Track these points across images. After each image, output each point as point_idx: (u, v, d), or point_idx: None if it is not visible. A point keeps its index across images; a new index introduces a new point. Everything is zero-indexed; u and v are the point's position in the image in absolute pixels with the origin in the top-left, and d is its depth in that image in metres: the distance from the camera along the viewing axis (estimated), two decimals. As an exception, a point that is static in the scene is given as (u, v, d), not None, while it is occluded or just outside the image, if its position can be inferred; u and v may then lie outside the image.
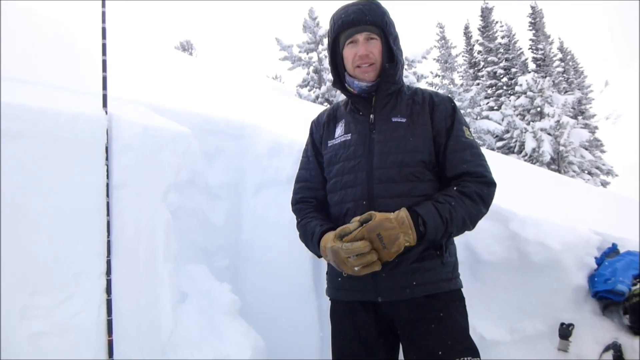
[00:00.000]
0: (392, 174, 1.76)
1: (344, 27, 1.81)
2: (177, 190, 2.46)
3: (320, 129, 2.00)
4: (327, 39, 1.96)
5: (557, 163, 19.33)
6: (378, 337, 1.78)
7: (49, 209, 1.69)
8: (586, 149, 21.36)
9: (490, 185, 1.74)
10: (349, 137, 1.87)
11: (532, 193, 4.31)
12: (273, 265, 2.71)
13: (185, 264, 2.41)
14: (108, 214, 1.84)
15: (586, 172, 20.94)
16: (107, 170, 1.89)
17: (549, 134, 19.19)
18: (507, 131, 20.63)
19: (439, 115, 1.81)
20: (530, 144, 18.90)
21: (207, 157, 2.73)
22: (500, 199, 2.87)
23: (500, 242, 2.67)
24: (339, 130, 1.93)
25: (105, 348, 1.74)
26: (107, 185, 1.87)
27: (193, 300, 2.27)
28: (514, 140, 20.49)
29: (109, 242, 1.82)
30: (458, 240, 2.68)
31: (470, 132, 1.84)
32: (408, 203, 1.70)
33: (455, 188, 1.71)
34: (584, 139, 20.44)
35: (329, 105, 2.05)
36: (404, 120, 1.81)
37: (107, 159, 1.90)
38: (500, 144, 21.09)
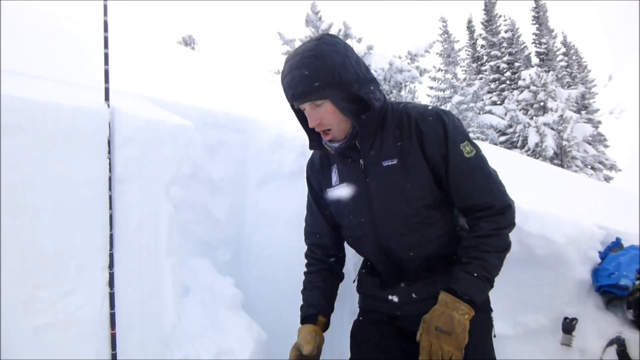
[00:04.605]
0: (397, 227, 1.73)
1: (292, 99, 1.67)
2: (179, 184, 2.46)
3: (317, 175, 1.95)
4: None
5: (560, 158, 19.28)
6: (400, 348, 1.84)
7: (50, 202, 1.68)
8: (589, 144, 21.30)
9: (504, 210, 1.65)
10: (345, 187, 1.81)
11: (535, 187, 4.29)
12: (276, 259, 2.71)
13: (187, 258, 2.41)
14: (110, 208, 1.84)
15: (589, 166, 20.89)
16: (110, 164, 1.88)
17: (552, 128, 19.13)
18: (510, 126, 20.57)
19: (430, 146, 1.66)
20: (533, 139, 18.84)
21: (209, 151, 2.72)
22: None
23: (504, 236, 2.66)
24: (334, 177, 1.86)
25: (108, 341, 1.74)
26: (110, 178, 1.87)
27: (196, 294, 2.27)
28: (516, 134, 20.43)
29: (111, 236, 1.82)
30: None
31: (469, 143, 1.69)
32: (426, 252, 1.73)
33: (472, 235, 1.66)
34: (587, 134, 20.37)
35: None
36: (395, 161, 1.69)
37: (109, 152, 1.90)
38: (503, 138, 21.04)
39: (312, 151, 2.00)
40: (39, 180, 1.68)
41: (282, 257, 2.68)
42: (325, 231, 1.97)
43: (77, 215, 1.75)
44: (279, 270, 2.68)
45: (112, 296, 1.77)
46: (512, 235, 2.61)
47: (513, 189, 3.19)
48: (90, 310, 1.71)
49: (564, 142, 18.89)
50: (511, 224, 1.69)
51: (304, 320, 1.90)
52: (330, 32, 1.85)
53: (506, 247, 1.66)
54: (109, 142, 1.91)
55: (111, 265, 1.80)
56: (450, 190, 1.70)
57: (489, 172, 1.69)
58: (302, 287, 2.01)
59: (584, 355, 2.45)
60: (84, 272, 1.74)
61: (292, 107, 1.77)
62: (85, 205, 1.78)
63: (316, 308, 1.91)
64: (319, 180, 1.94)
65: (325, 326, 1.94)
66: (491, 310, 1.80)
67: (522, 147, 19.83)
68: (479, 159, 1.69)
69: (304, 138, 2.98)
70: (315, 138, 1.82)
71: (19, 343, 1.54)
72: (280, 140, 2.86)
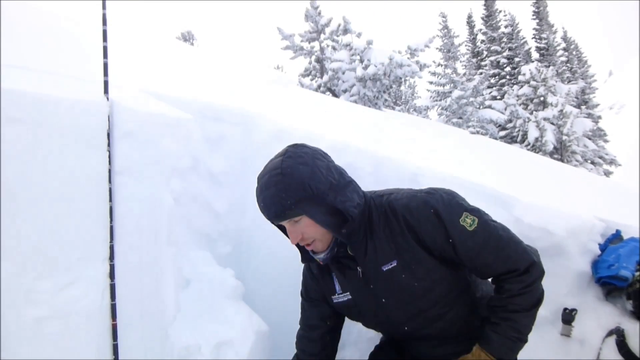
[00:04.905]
0: (416, 325, 1.70)
1: (269, 220, 1.59)
2: (179, 177, 2.46)
3: (318, 284, 1.86)
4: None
5: (560, 152, 19.25)
6: None
7: (50, 194, 1.68)
8: (589, 139, 21.27)
9: (529, 269, 1.55)
10: (350, 297, 1.75)
11: (536, 180, 4.30)
12: (276, 251, 2.71)
13: (187, 250, 2.41)
14: (110, 200, 1.84)
15: (589, 161, 20.86)
16: (109, 157, 1.88)
17: (552, 123, 19.10)
18: (510, 120, 20.53)
19: (428, 237, 1.56)
20: (533, 134, 18.81)
21: (208, 144, 2.72)
22: (503, 186, 2.87)
23: (503, 228, 2.66)
24: (337, 286, 1.78)
25: (109, 332, 1.75)
26: (109, 171, 1.87)
27: (196, 286, 2.27)
28: (516, 129, 20.40)
29: (111, 228, 1.82)
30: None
31: (468, 214, 1.56)
32: (453, 333, 1.71)
33: (500, 296, 1.60)
34: (587, 129, 20.32)
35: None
36: (394, 264, 1.61)
37: (108, 145, 1.90)
38: (502, 133, 21.01)
39: (305, 265, 1.91)
40: (39, 172, 1.68)
41: (282, 250, 2.67)
42: (320, 323, 1.90)
43: (77, 207, 1.76)
44: (279, 264, 2.69)
45: (112, 287, 1.77)
46: (513, 228, 2.61)
47: (513, 182, 3.20)
48: (91, 302, 1.72)
49: (564, 137, 18.86)
50: (538, 277, 1.58)
51: None
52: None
53: (537, 301, 1.58)
54: (108, 135, 1.91)
55: (111, 257, 1.80)
56: (467, 267, 1.63)
57: (500, 236, 1.56)
58: None
59: (583, 346, 2.46)
60: (85, 264, 1.74)
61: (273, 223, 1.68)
62: (85, 198, 1.79)
63: None
64: (322, 288, 1.85)
65: None
66: None
67: (522, 141, 19.80)
68: (485, 226, 1.56)
69: (304, 131, 3.00)
70: (305, 250, 1.72)
71: (20, 334, 1.55)
72: (280, 134, 2.86)
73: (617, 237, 2.73)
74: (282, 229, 1.68)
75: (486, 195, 2.71)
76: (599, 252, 2.67)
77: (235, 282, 2.33)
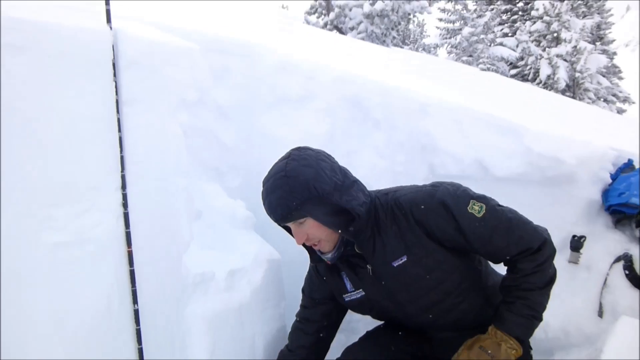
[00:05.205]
0: (431, 317, 1.70)
1: (274, 221, 1.63)
2: (186, 110, 2.44)
3: (326, 285, 1.88)
4: None
5: (573, 90, 18.89)
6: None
7: (60, 123, 1.67)
8: (603, 76, 20.78)
9: (540, 247, 1.56)
10: (363, 294, 1.75)
11: (547, 112, 4.23)
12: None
13: (197, 183, 2.42)
14: (120, 130, 1.83)
15: (602, 99, 20.49)
16: (116, 86, 1.86)
17: (565, 60, 18.62)
18: (522, 58, 20.04)
19: (438, 229, 1.58)
20: (545, 71, 18.39)
21: (214, 76, 2.68)
22: (513, 115, 2.83)
23: (513, 158, 2.65)
24: (348, 284, 1.79)
25: (125, 258, 1.79)
26: (117, 101, 1.85)
27: (207, 217, 2.30)
28: (528, 67, 19.94)
29: (122, 158, 1.82)
30: (470, 156, 2.67)
31: (475, 201, 1.58)
32: (466, 324, 1.70)
33: (513, 276, 1.60)
34: (602, 65, 19.83)
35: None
36: (404, 259, 1.62)
37: (114, 74, 1.87)
38: (514, 71, 20.56)
39: (310, 264, 1.94)
40: (47, 103, 1.67)
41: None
42: (320, 318, 1.94)
43: (87, 136, 1.75)
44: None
45: (126, 216, 1.80)
46: (523, 157, 2.62)
47: (524, 114, 3.16)
48: (106, 229, 1.74)
49: (577, 74, 18.44)
50: (551, 255, 1.60)
51: None
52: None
53: (550, 279, 1.59)
54: (113, 64, 1.88)
55: (123, 186, 1.81)
56: (480, 254, 1.66)
57: (509, 219, 1.58)
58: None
59: (590, 272, 2.50)
60: (97, 193, 1.75)
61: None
62: (94, 128, 1.78)
63: None
64: (330, 287, 1.87)
65: None
66: (530, 348, 1.74)
67: (534, 79, 19.41)
68: (493, 211, 1.58)
69: (311, 63, 2.95)
70: (314, 251, 1.75)
71: (40, 260, 1.58)
72: (286, 65, 2.81)
73: (629, 166, 2.71)
74: (289, 230, 1.72)
75: (495, 125, 2.69)
76: (610, 180, 2.66)
77: (246, 212, 2.36)
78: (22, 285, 1.53)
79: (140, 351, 1.80)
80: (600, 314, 2.35)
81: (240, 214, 2.34)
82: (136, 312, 1.80)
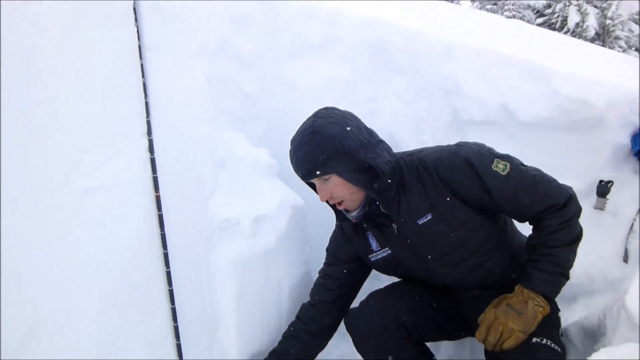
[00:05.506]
0: (455, 274, 1.71)
1: (300, 178, 1.67)
2: (208, 58, 2.44)
3: (351, 245, 1.89)
4: None
5: (602, 38, 18.18)
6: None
7: (85, 69, 1.69)
8: (635, 23, 19.90)
9: (567, 203, 1.56)
10: (390, 252, 1.75)
11: (575, 57, 4.08)
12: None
13: (221, 132, 2.44)
14: (143, 76, 1.84)
15: (633, 48, 19.69)
16: (138, 32, 1.85)
17: (595, 6, 17.84)
18: (549, 5, 19.24)
19: (462, 187, 1.60)
20: (573, 19, 17.67)
21: (235, 24, 2.64)
22: (540, 57, 2.74)
23: (540, 102, 2.57)
24: (373, 243, 1.80)
25: (153, 203, 1.83)
26: (139, 47, 1.85)
27: (231, 165, 2.32)
28: (555, 15, 19.16)
29: (147, 103, 1.83)
30: (495, 100, 2.61)
31: (499, 159, 1.59)
32: (491, 283, 1.71)
33: (539, 234, 1.59)
34: (634, 12, 18.95)
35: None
36: (429, 217, 1.65)
37: (135, 20, 1.86)
38: (540, 20, 19.78)
39: (336, 223, 1.95)
40: (72, 49, 1.67)
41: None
42: (339, 284, 1.94)
43: (111, 82, 1.76)
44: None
45: (152, 161, 1.82)
46: (550, 101, 2.56)
47: (552, 57, 3.06)
48: (134, 174, 1.78)
49: (608, 21, 17.68)
50: (577, 212, 1.59)
51: None
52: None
53: (577, 237, 1.58)
54: (134, 9, 1.86)
55: (149, 132, 1.83)
56: (505, 212, 1.66)
57: (534, 176, 1.58)
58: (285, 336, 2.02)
59: (616, 218, 2.47)
60: (124, 139, 1.78)
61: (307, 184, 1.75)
62: (118, 74, 1.79)
63: None
64: (356, 248, 1.88)
65: None
66: (558, 310, 1.73)
67: (561, 28, 18.67)
68: (517, 170, 1.59)
69: (331, 7, 2.88)
70: (339, 210, 1.76)
71: (71, 204, 1.62)
72: (308, 11, 2.76)
73: (660, 109, 2.62)
74: (314, 188, 1.74)
75: (522, 68, 2.62)
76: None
77: (270, 160, 2.37)
78: (54, 228, 1.57)
79: (171, 293, 1.87)
80: (626, 259, 2.33)
81: (264, 161, 2.36)
82: (165, 256, 1.85)
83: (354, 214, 1.71)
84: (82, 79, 1.68)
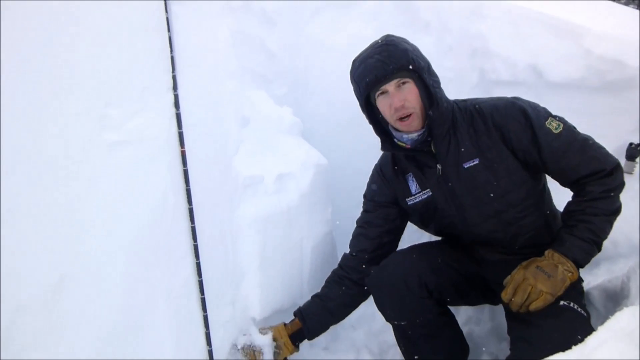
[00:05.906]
0: (490, 226, 1.68)
1: (369, 86, 1.59)
2: (232, 15, 2.41)
3: (390, 186, 1.85)
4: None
5: (638, 2, 17.42)
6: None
7: (110, 21, 1.68)
8: (673, -16, 18.97)
9: (613, 171, 1.57)
10: (430, 194, 1.72)
11: (609, 15, 3.93)
12: (332, 90, 2.69)
13: (244, 90, 2.42)
14: (169, 30, 1.83)
15: (670, 10, 18.85)
16: (162, -14, 1.83)
17: (632, -34, 17.02)
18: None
19: (515, 136, 1.60)
20: (608, -21, 16.95)
21: (259, -20, 2.60)
22: (572, 15, 2.64)
23: (571, 61, 2.48)
24: (413, 186, 1.77)
25: (179, 158, 1.84)
26: (165, 1, 1.83)
27: (255, 123, 2.32)
28: (589, -25, 18.39)
29: (172, 58, 1.83)
30: (524, 60, 2.54)
31: (553, 118, 1.61)
32: (521, 244, 1.68)
33: (579, 199, 1.58)
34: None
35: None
36: (476, 161, 1.64)
37: (159, -26, 1.84)
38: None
39: (376, 165, 1.95)
40: (97, 3, 1.66)
41: (339, 88, 2.65)
42: (379, 234, 1.92)
43: (136, 37, 1.75)
44: (336, 101, 2.68)
45: (178, 116, 1.83)
46: (581, 61, 2.47)
47: (586, 15, 2.94)
48: (160, 129, 1.79)
49: (644, -18, 16.88)
50: (621, 184, 1.59)
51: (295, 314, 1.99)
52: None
53: (616, 209, 1.58)
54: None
55: (175, 87, 1.83)
56: (551, 172, 1.65)
57: (585, 139, 1.60)
58: (330, 281, 2.02)
59: (644, 182, 2.41)
60: (150, 93, 1.78)
61: (364, 104, 1.70)
62: (143, 27, 1.78)
63: (309, 317, 1.95)
64: (394, 190, 1.85)
65: (300, 336, 1.96)
66: (582, 280, 1.71)
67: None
68: (570, 130, 1.60)
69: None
70: (387, 140, 1.74)
71: (97, 159, 1.64)
72: (334, -34, 2.68)
73: (696, 70, 2.52)
74: (370, 117, 1.72)
75: (553, 26, 2.52)
76: (675, 85, 2.49)
77: (293, 118, 2.36)
78: (83, 182, 1.59)
79: (196, 248, 1.89)
80: (652, 224, 2.29)
81: (287, 120, 2.36)
82: (190, 211, 1.87)
83: (414, 135, 1.66)
84: (109, 32, 1.68)
